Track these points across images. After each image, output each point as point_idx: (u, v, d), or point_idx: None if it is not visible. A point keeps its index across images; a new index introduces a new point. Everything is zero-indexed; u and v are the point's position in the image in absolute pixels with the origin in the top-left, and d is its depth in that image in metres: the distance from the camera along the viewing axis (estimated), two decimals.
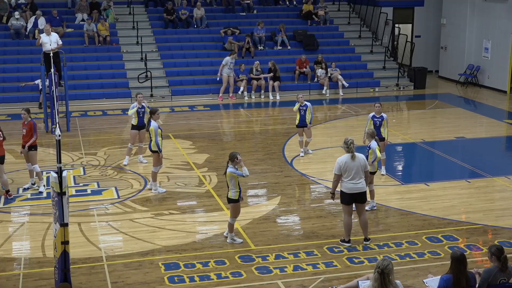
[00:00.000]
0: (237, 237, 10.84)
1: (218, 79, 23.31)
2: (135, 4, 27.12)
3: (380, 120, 13.81)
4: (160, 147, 13.08)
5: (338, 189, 10.56)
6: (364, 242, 10.73)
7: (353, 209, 10.63)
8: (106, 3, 26.12)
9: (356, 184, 10.34)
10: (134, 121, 14.97)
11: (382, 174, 14.32)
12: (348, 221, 10.60)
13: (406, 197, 13.15)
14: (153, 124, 13.05)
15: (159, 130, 13.05)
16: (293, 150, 16.45)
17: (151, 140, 13.16)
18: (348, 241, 10.66)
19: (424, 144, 17.32)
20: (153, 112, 13.31)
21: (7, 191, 12.83)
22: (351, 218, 10.63)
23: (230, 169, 10.37)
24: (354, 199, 10.44)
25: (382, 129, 13.79)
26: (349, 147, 10.33)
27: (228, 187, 10.50)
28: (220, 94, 23.13)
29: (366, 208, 12.21)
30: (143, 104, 14.99)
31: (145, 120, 14.79)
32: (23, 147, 13.16)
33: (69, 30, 24.71)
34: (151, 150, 13.31)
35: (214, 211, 12.26)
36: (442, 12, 28.37)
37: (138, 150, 15.53)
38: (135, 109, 14.88)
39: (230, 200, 10.57)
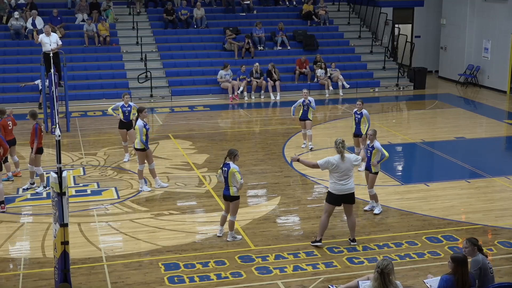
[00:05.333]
0: (237, 235, 10.90)
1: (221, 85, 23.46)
2: (135, 4, 27.10)
3: (359, 116, 14.49)
4: (143, 145, 13.08)
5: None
6: (351, 243, 10.67)
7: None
8: (106, 4, 26.12)
9: (345, 185, 10.28)
10: (121, 117, 15.26)
11: (360, 170, 14.24)
12: (324, 221, 10.51)
13: (406, 197, 13.15)
14: (138, 123, 13.12)
15: (144, 129, 13.05)
16: (293, 150, 16.45)
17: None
18: (319, 241, 10.59)
19: (424, 144, 17.32)
20: (140, 110, 13.37)
21: (1, 202, 12.23)
22: (329, 219, 10.56)
23: (234, 166, 10.43)
24: (342, 200, 10.37)
25: (362, 126, 14.41)
26: (337, 147, 10.28)
27: (228, 184, 10.52)
28: (230, 95, 23.16)
29: (366, 208, 12.26)
30: (130, 103, 15.28)
31: (132, 119, 15.10)
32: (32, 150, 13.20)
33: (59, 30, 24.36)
34: (135, 148, 13.40)
35: (214, 211, 12.26)
36: (442, 12, 28.37)
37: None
38: (119, 108, 15.19)
39: (233, 198, 10.60)
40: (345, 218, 12.01)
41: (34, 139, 12.99)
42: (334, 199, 10.36)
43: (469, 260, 8.01)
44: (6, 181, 13.69)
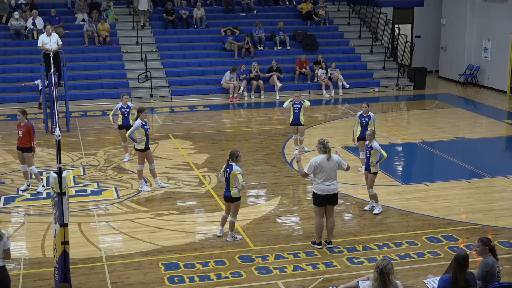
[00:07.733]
0: (237, 235, 10.92)
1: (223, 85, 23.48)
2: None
3: (367, 119, 14.09)
4: (142, 145, 13.06)
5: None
6: (327, 245, 10.60)
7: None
8: (106, 4, 26.12)
9: (329, 185, 10.24)
10: (120, 121, 15.22)
11: (359, 170, 14.29)
12: (320, 223, 10.47)
13: (406, 197, 13.15)
14: (137, 121, 13.16)
15: (142, 129, 13.03)
16: (293, 150, 16.44)
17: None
18: (319, 243, 10.57)
19: (424, 144, 17.32)
20: (140, 111, 13.39)
21: None
22: (323, 220, 10.53)
23: (237, 168, 10.42)
24: (326, 201, 10.34)
25: (368, 128, 13.91)
26: (326, 147, 10.23)
27: (229, 185, 10.50)
28: (230, 95, 23.15)
29: (366, 208, 12.26)
30: (129, 104, 15.23)
31: (131, 121, 14.98)
32: (18, 148, 13.12)
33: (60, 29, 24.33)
34: (135, 149, 13.45)
35: (214, 211, 12.26)
36: (442, 12, 28.36)
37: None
38: (118, 110, 15.14)
39: (234, 199, 10.59)
40: (345, 217, 12.07)
41: (32, 137, 12.96)
42: (320, 200, 10.33)
43: (480, 259, 8.01)
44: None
